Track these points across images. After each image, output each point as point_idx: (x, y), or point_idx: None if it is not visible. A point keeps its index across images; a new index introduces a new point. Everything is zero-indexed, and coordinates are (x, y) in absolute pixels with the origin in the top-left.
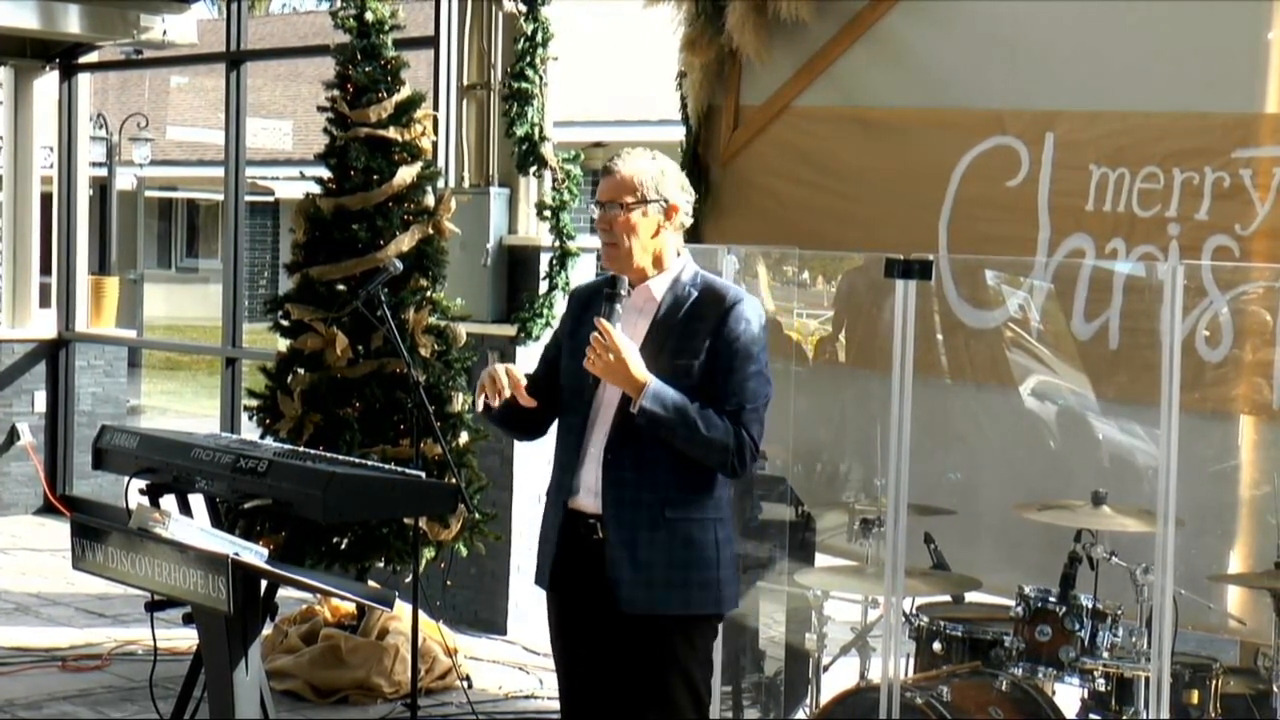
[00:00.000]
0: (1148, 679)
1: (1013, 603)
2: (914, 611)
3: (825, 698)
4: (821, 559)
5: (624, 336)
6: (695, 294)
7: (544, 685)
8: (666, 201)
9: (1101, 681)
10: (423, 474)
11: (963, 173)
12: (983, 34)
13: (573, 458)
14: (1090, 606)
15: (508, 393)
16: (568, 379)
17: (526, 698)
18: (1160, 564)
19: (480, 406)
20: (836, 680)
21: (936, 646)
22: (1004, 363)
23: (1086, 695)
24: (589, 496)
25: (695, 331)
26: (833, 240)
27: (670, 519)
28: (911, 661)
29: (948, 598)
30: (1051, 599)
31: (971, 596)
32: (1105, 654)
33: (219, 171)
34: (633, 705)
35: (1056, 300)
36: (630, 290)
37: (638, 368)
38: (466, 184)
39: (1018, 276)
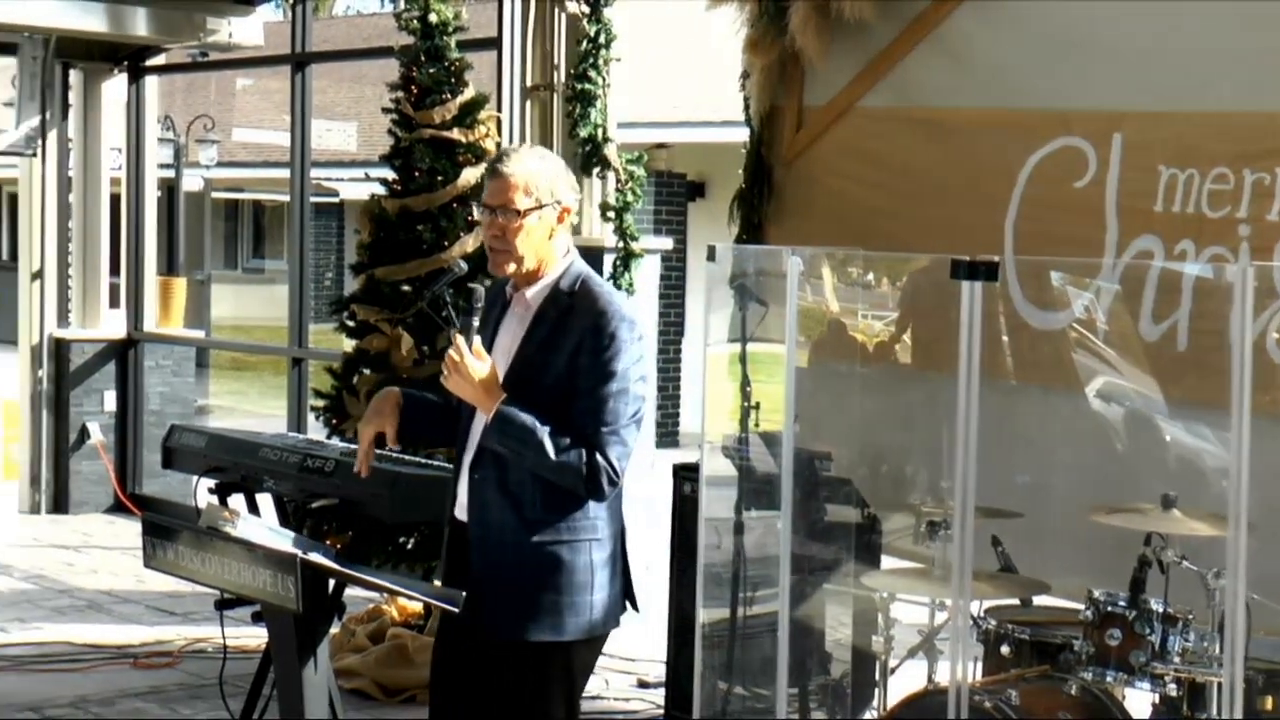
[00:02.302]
0: (1220, 685)
1: (1082, 606)
2: (982, 614)
3: (892, 700)
4: (887, 561)
5: (472, 356)
6: (569, 301)
7: (609, 686)
8: (559, 204)
9: (1173, 687)
10: None
11: (1029, 174)
12: (1049, 34)
13: (456, 468)
14: (1161, 611)
15: (370, 460)
16: None
17: (593, 698)
18: (1232, 568)
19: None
20: (903, 683)
21: (1004, 650)
22: (1070, 365)
23: (1158, 700)
24: (463, 510)
25: (559, 345)
26: (897, 241)
27: (537, 542)
28: (979, 665)
29: (1016, 601)
30: (1121, 603)
31: (1040, 600)
32: (1176, 659)
33: (284, 173)
34: None
35: (1123, 302)
36: (511, 297)
37: (488, 386)
38: None
39: (1083, 278)
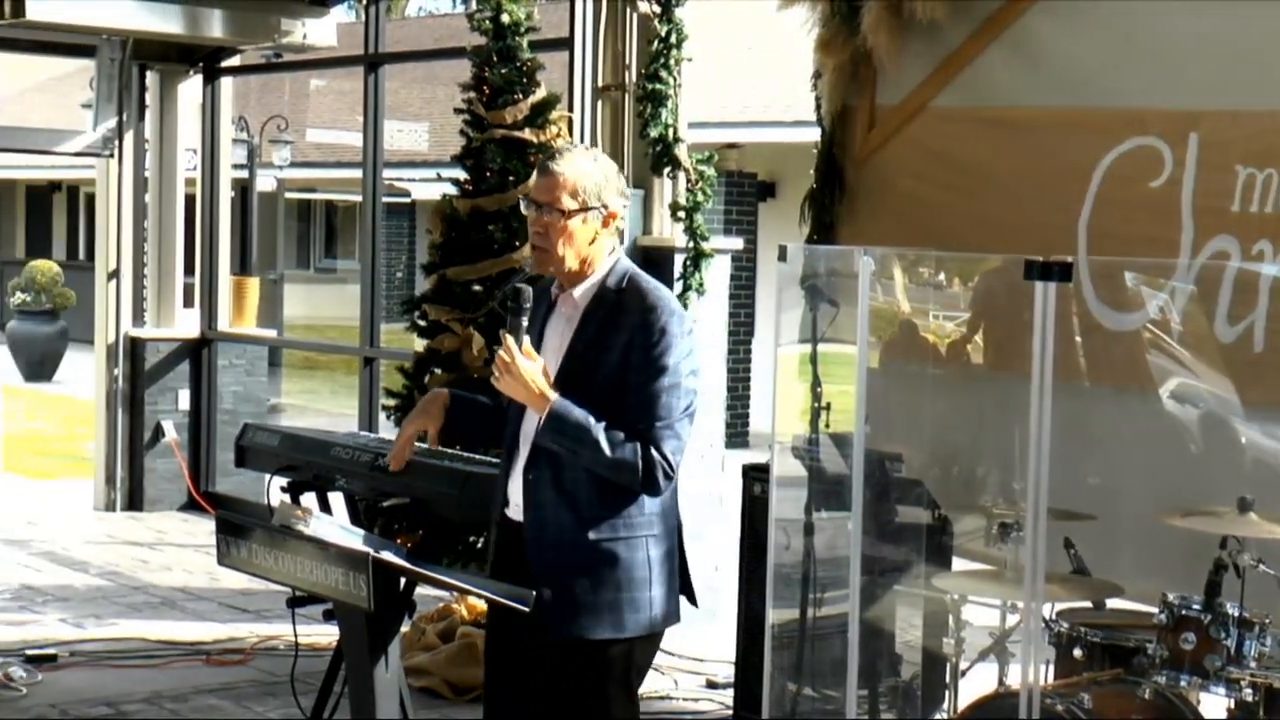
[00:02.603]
0: None
1: (1155, 610)
2: (1054, 617)
3: (963, 703)
4: (958, 563)
5: (523, 356)
6: (617, 298)
7: (678, 686)
8: (606, 208)
9: (1249, 692)
10: None
11: (1103, 173)
12: (1123, 32)
13: (505, 468)
14: (1237, 615)
15: (405, 456)
16: None
17: (661, 698)
18: None
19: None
20: (974, 686)
21: (1077, 653)
22: (1144, 366)
23: (1233, 705)
24: (517, 511)
25: (610, 343)
26: (969, 242)
27: (594, 540)
28: (1051, 668)
29: (1088, 604)
30: (1196, 606)
31: (1113, 603)
32: (1253, 663)
33: (357, 173)
34: None
35: (1199, 303)
36: (557, 297)
37: (539, 385)
38: None
39: (1158, 278)
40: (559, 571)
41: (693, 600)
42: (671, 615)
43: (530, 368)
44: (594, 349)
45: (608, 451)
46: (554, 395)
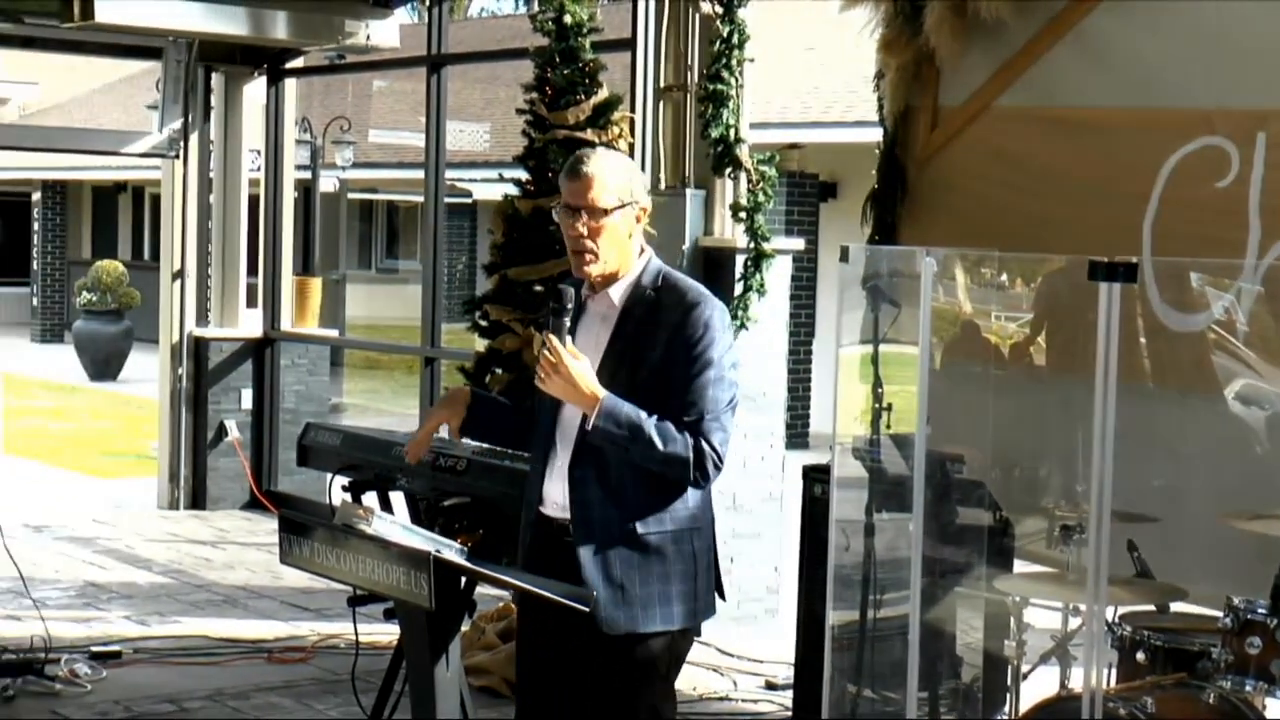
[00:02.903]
0: None
1: (1220, 613)
2: (1116, 620)
3: (1024, 706)
4: (1020, 565)
5: (570, 356)
6: (654, 296)
7: (738, 687)
8: (638, 204)
9: None
10: None
11: (1169, 174)
12: (1190, 31)
13: (540, 468)
14: None
15: (424, 449)
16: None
17: (721, 699)
18: None
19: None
20: (1036, 689)
21: (1140, 657)
22: (1209, 367)
23: None
24: (557, 510)
25: (653, 340)
26: (1033, 242)
27: (642, 535)
28: (1114, 671)
29: (1152, 607)
30: (1262, 610)
31: (1177, 606)
32: None
33: (419, 174)
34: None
35: (1265, 304)
36: (587, 299)
37: (588, 384)
38: (662, 186)
39: (1224, 279)
40: (610, 567)
41: (722, 595)
42: (710, 607)
43: (579, 367)
44: (635, 346)
45: (660, 446)
46: (604, 393)
